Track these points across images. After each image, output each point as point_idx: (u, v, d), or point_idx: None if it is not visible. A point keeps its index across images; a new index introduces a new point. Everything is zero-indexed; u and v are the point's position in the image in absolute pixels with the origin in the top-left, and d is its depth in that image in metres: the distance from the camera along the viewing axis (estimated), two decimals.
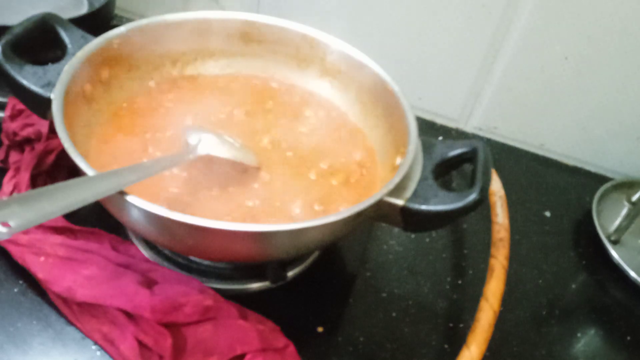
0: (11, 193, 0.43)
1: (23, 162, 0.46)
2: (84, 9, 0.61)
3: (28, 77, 0.39)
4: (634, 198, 0.59)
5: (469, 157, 0.42)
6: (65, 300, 0.39)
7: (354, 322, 0.44)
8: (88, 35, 0.44)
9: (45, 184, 0.46)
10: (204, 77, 0.52)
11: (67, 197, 0.29)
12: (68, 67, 0.41)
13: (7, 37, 0.40)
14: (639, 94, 0.60)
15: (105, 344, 0.38)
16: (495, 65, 0.64)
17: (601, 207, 0.59)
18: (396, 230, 0.53)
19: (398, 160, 0.44)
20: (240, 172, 0.42)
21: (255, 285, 0.44)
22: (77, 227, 0.43)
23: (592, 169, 0.68)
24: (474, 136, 0.70)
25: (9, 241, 0.41)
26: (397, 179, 0.37)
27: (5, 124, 0.48)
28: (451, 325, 0.46)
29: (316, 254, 0.47)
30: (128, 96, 0.48)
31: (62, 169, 0.48)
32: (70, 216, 0.44)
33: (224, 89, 0.52)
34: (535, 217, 0.59)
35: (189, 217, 0.32)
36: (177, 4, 0.73)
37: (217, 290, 0.40)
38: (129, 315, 0.37)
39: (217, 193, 0.41)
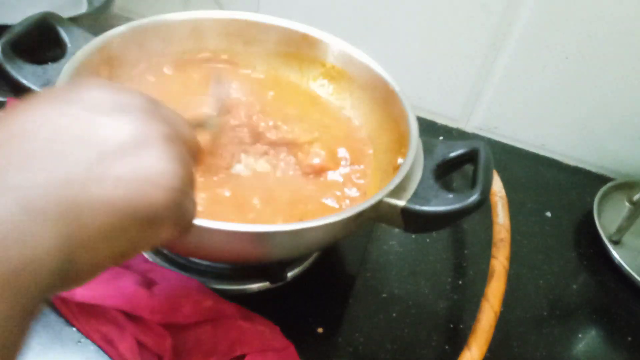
0: None
1: None
2: (83, 8, 0.60)
3: (27, 77, 0.39)
4: (635, 198, 0.59)
5: (470, 158, 0.41)
6: (64, 300, 0.39)
7: (354, 322, 0.44)
8: (88, 35, 0.44)
9: None
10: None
11: None
12: (68, 66, 0.40)
13: (7, 37, 0.39)
14: None
15: (105, 344, 0.37)
16: (496, 65, 0.64)
17: (602, 207, 0.59)
18: (397, 230, 0.53)
19: (399, 161, 0.43)
20: None
21: (255, 286, 0.44)
22: None
23: (593, 169, 0.68)
24: (475, 136, 0.70)
25: None
26: (397, 180, 0.37)
27: None
28: (452, 326, 0.46)
29: (316, 254, 0.47)
30: None
31: None
32: None
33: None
34: (536, 217, 0.59)
35: None
36: (177, 4, 0.73)
37: (217, 291, 0.40)
38: (128, 315, 0.37)
39: None
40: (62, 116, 0.20)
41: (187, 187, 0.22)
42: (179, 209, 0.22)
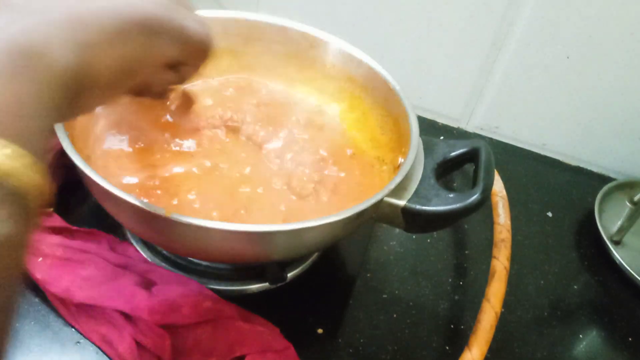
0: None
1: None
2: None
3: None
4: (636, 198, 0.59)
5: (470, 157, 0.41)
6: (63, 301, 0.38)
7: (354, 323, 0.44)
8: None
9: None
10: (204, 76, 0.52)
11: None
12: None
13: None
14: None
15: (104, 345, 0.37)
16: (497, 64, 0.63)
17: (603, 207, 0.59)
18: (397, 230, 0.52)
19: (399, 160, 0.43)
20: None
21: (255, 287, 0.43)
22: (75, 228, 0.43)
23: (594, 169, 0.67)
24: (476, 136, 0.70)
25: None
26: (398, 179, 0.37)
27: None
28: (452, 326, 0.45)
29: (316, 254, 0.47)
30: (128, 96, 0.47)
31: (61, 168, 0.47)
32: (68, 216, 0.44)
33: (224, 88, 0.51)
34: (537, 217, 0.59)
35: (187, 218, 0.31)
36: None
37: (216, 292, 0.40)
38: (127, 316, 0.37)
39: None
40: None
41: (175, 5, 0.28)
42: (171, 23, 0.27)
